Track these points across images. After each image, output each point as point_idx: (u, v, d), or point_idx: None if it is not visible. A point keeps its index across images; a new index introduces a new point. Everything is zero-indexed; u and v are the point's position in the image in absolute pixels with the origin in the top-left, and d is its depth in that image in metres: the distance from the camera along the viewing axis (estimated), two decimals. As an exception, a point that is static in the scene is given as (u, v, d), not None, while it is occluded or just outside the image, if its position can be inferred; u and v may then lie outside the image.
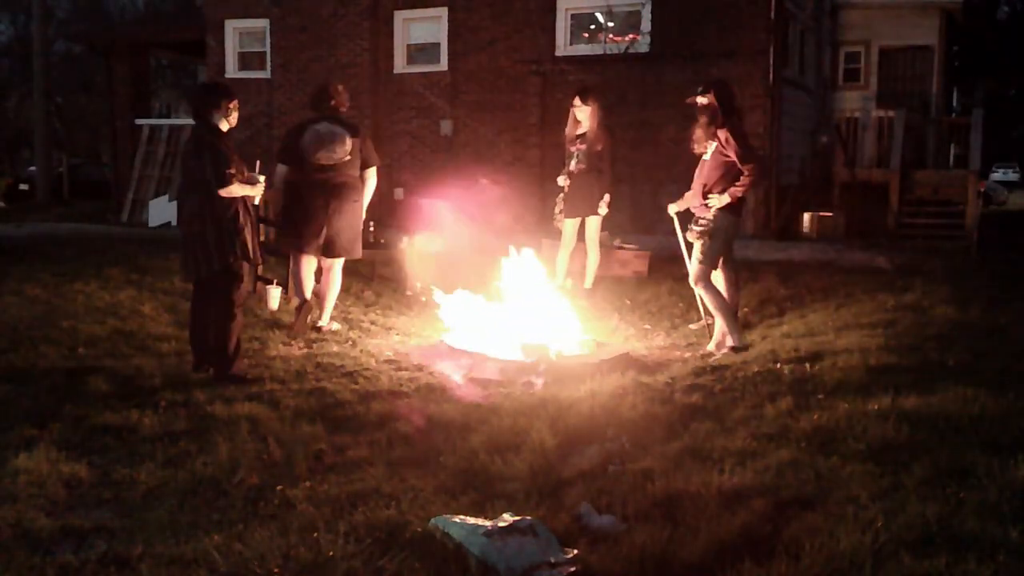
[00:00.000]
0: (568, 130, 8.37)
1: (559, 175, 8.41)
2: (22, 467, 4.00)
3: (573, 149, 8.29)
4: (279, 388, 5.43)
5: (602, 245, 9.01)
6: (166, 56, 25.08)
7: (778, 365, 5.73)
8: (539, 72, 13.90)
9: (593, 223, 8.43)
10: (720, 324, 6.49)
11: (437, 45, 14.90)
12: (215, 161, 5.50)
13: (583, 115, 8.23)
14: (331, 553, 3.15)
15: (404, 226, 8.88)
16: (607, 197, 8.30)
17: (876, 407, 4.57)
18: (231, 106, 5.71)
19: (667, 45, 13.22)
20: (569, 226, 8.46)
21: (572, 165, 8.27)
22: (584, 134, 8.25)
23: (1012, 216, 21.48)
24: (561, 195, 8.45)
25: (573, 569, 3.06)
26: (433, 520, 3.33)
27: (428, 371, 6.04)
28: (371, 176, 7.04)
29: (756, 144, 12.51)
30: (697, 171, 6.59)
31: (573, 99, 8.33)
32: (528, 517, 3.31)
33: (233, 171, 5.53)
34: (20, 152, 37.48)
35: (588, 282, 8.50)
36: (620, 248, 9.85)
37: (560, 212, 8.44)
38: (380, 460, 4.20)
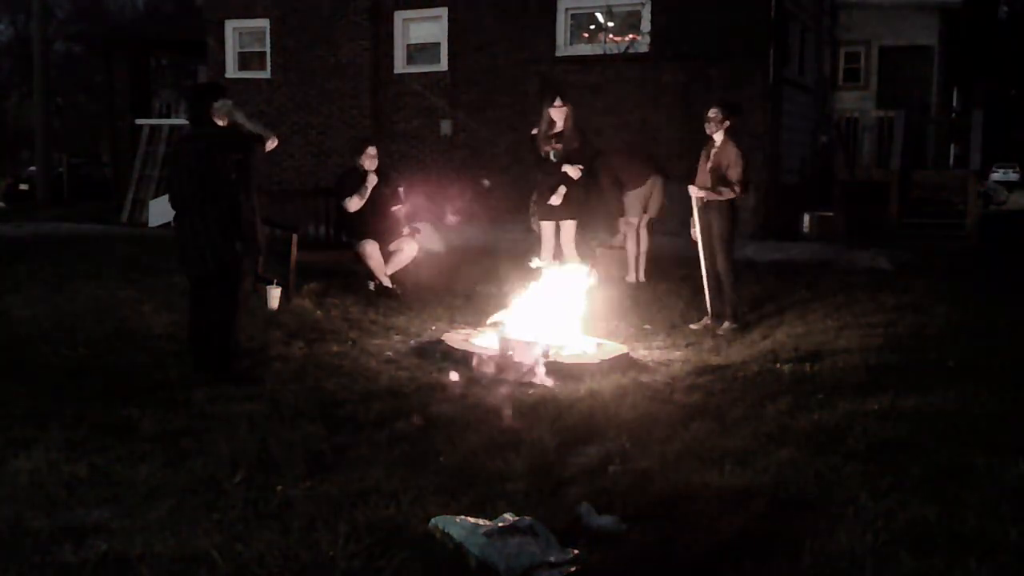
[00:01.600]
0: (542, 130, 8.30)
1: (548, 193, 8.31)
2: (22, 467, 4.00)
3: (548, 149, 8.26)
4: (279, 388, 5.43)
5: (603, 245, 9.02)
6: (166, 56, 25.08)
7: (778, 365, 5.73)
8: (539, 72, 13.89)
9: (567, 227, 8.38)
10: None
11: (437, 45, 14.90)
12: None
13: (560, 115, 8.20)
14: (331, 553, 3.15)
15: (404, 225, 8.88)
16: (562, 189, 8.18)
17: (876, 407, 4.57)
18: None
19: (667, 45, 13.20)
20: (546, 228, 8.43)
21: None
22: (560, 134, 8.22)
23: (1012, 216, 21.47)
24: (534, 198, 8.43)
25: (573, 569, 3.06)
26: (433, 520, 3.33)
27: (428, 371, 6.04)
28: None
29: (755, 144, 12.55)
30: None
31: (549, 100, 8.27)
32: (528, 517, 3.31)
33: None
34: (20, 152, 37.47)
35: None
36: (621, 248, 9.83)
37: (534, 216, 8.43)
38: (380, 460, 4.20)
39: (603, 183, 8.96)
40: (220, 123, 5.72)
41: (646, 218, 9.21)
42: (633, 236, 9.13)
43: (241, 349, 5.92)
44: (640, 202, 9.10)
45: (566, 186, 8.18)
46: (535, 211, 8.46)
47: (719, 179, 7.21)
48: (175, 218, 5.78)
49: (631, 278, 8.92)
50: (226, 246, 5.58)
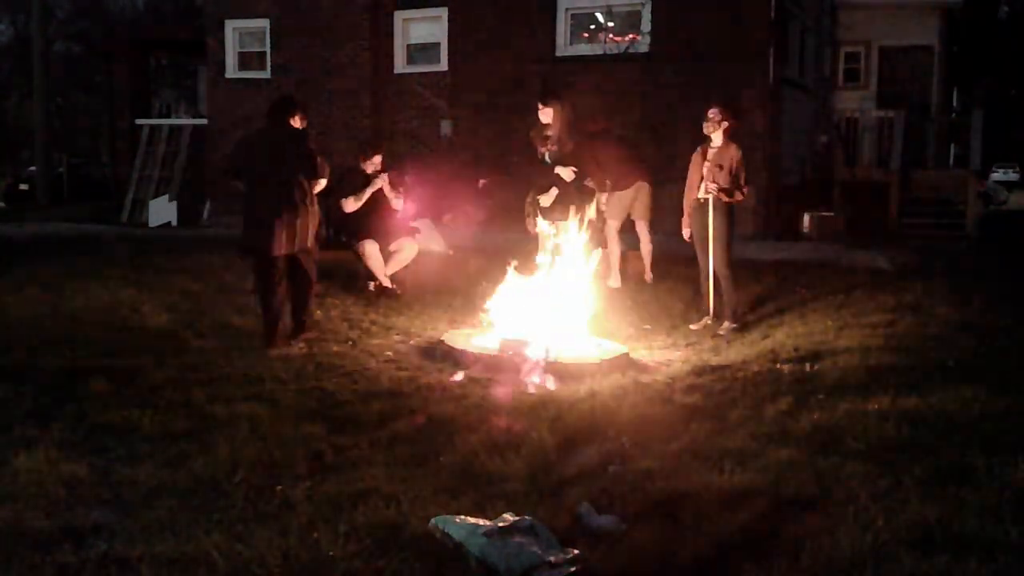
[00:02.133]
0: (532, 133, 8.31)
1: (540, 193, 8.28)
2: (22, 467, 4.00)
3: (544, 151, 8.26)
4: (279, 388, 5.43)
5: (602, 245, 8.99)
6: (166, 56, 25.09)
7: (778, 365, 5.73)
8: (539, 72, 13.89)
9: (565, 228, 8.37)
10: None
11: (437, 45, 14.90)
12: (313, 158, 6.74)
13: (545, 117, 8.19)
14: (331, 553, 3.15)
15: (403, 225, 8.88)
16: (553, 191, 8.14)
17: (876, 407, 4.57)
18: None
19: (667, 45, 13.21)
20: (543, 229, 8.40)
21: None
22: (551, 136, 8.22)
23: (1012, 216, 21.47)
24: (529, 199, 8.42)
25: (573, 569, 3.06)
26: (433, 520, 3.32)
27: (428, 371, 6.04)
28: None
29: (755, 144, 12.56)
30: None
31: (539, 103, 8.25)
32: (528, 517, 3.31)
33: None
34: (20, 152, 37.46)
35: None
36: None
37: (529, 216, 8.42)
38: (380, 460, 4.20)
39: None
40: (296, 125, 6.74)
41: (642, 223, 9.20)
42: (615, 239, 9.11)
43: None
44: (622, 206, 9.08)
45: (559, 188, 8.17)
46: (530, 212, 8.44)
47: (730, 181, 7.21)
48: (255, 208, 6.55)
49: (614, 283, 8.88)
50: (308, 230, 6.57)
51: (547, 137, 8.20)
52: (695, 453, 4.14)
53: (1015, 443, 3.96)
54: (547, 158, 8.21)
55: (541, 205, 8.25)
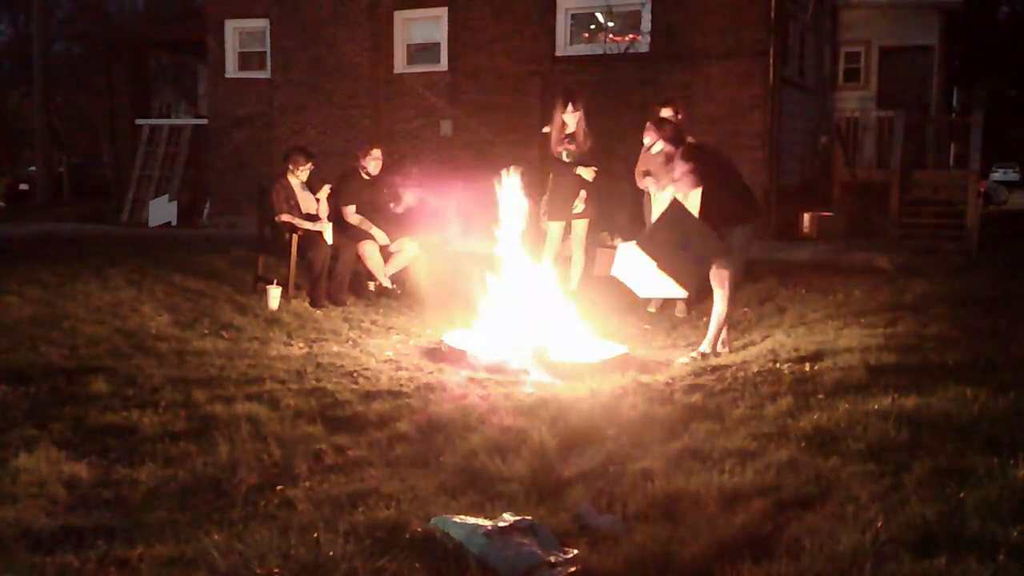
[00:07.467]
0: (554, 135, 8.29)
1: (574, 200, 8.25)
2: (22, 467, 4.00)
3: (561, 149, 8.25)
4: (279, 388, 5.42)
5: (604, 245, 8.97)
6: (166, 56, 25.09)
7: (778, 365, 5.73)
8: (539, 72, 13.89)
9: (580, 226, 8.36)
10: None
11: (437, 45, 14.91)
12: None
13: (571, 120, 8.17)
14: (331, 553, 3.15)
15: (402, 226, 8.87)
16: (583, 194, 8.18)
17: (876, 407, 4.57)
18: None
19: (667, 45, 13.21)
20: (554, 228, 8.39)
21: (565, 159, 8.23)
22: (571, 134, 8.21)
23: (1012, 216, 21.45)
24: (545, 197, 8.41)
25: (573, 569, 3.06)
26: (433, 520, 3.32)
27: (428, 371, 6.04)
28: None
29: (756, 144, 12.57)
30: None
31: (562, 105, 8.23)
32: (528, 517, 3.31)
33: None
34: (20, 152, 37.40)
35: (573, 284, 8.35)
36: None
37: (544, 215, 8.41)
38: (380, 460, 4.20)
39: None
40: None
41: None
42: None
43: None
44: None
45: (573, 189, 8.16)
46: (545, 210, 8.41)
47: None
48: None
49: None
50: None
51: (568, 136, 8.19)
52: (695, 453, 4.14)
53: (1015, 443, 3.96)
54: (565, 157, 8.19)
55: (575, 209, 8.22)
